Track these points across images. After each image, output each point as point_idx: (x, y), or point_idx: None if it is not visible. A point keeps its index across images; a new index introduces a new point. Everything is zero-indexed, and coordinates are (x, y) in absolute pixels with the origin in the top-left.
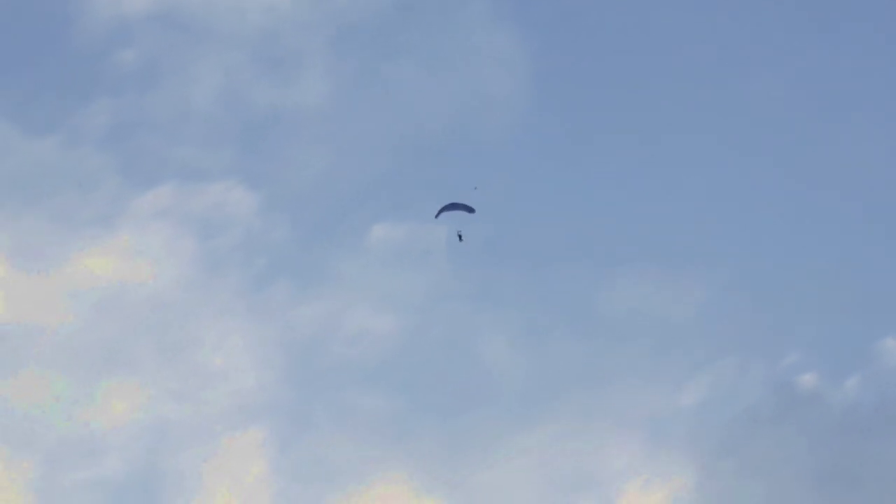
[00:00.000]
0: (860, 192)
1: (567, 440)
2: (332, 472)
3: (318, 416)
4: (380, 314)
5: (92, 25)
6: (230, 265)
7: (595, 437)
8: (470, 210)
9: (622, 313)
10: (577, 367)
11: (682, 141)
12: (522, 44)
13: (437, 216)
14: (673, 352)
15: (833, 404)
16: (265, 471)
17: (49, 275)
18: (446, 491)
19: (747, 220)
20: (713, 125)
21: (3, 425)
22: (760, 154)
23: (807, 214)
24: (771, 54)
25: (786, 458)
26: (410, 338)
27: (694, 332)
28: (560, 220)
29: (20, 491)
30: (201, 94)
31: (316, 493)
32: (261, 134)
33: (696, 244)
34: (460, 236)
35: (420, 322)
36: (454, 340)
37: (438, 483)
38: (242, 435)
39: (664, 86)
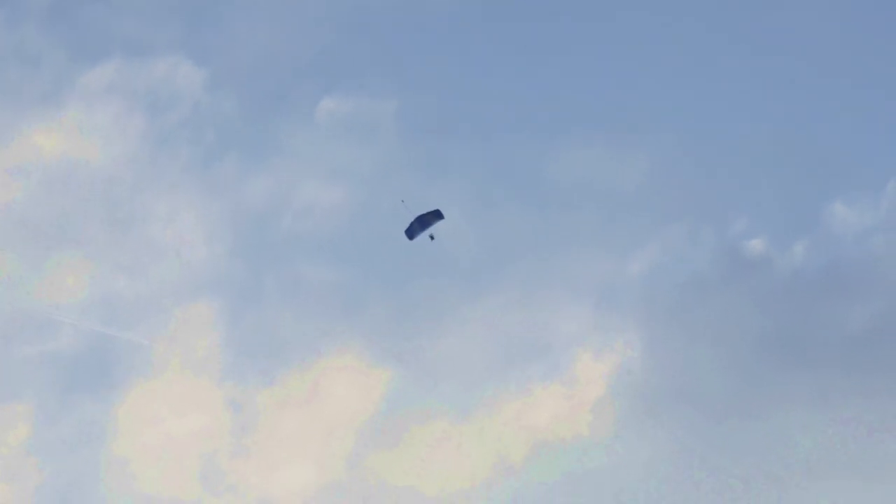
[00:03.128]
0: (810, 54)
1: (517, 309)
2: (283, 344)
3: (268, 289)
4: (329, 187)
5: None
6: (178, 140)
7: (545, 305)
8: (440, 217)
9: (570, 182)
10: (526, 235)
11: (627, 5)
12: None
13: (411, 238)
14: (621, 219)
15: (781, 269)
16: (216, 344)
17: None
18: (398, 361)
19: (694, 84)
20: None
21: None
22: (708, 17)
23: (755, 78)
24: None
25: (733, 322)
26: (360, 210)
27: (642, 199)
28: (505, 91)
29: None
30: None
31: (267, 365)
32: (207, 8)
33: (642, 110)
34: (432, 237)
35: (369, 194)
36: (403, 212)
37: (390, 354)
38: (193, 308)
39: None
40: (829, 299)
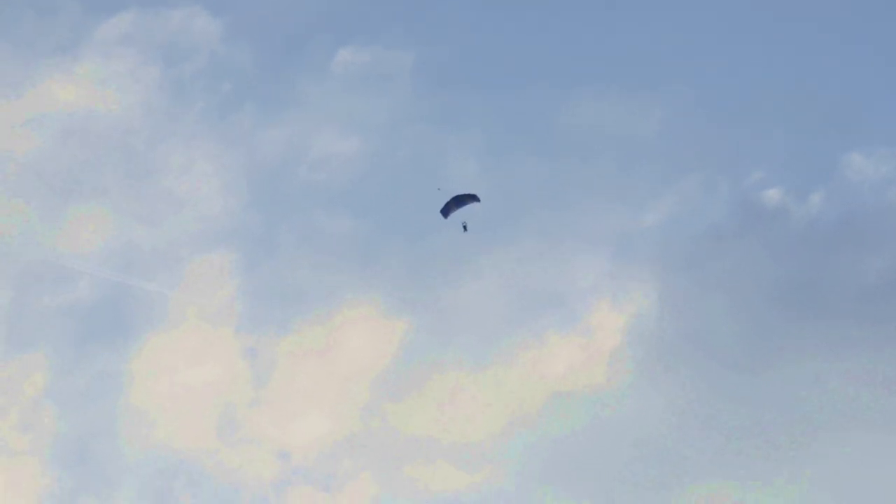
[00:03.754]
0: (829, 3)
1: (533, 259)
2: (299, 295)
3: (284, 239)
4: (345, 138)
5: None
6: (194, 92)
7: (561, 255)
8: (476, 200)
9: (585, 133)
10: (542, 187)
11: None
12: None
13: (446, 216)
14: (637, 170)
15: (797, 219)
16: (232, 294)
17: (12, 102)
18: (414, 312)
19: (711, 35)
20: None
21: None
22: None
23: (771, 29)
24: None
25: (749, 273)
26: (376, 161)
27: (658, 150)
28: (520, 42)
29: None
30: None
31: (283, 315)
32: None
33: (657, 60)
34: (465, 227)
35: (385, 145)
36: (419, 163)
37: (406, 304)
38: (209, 259)
39: None
40: (845, 250)
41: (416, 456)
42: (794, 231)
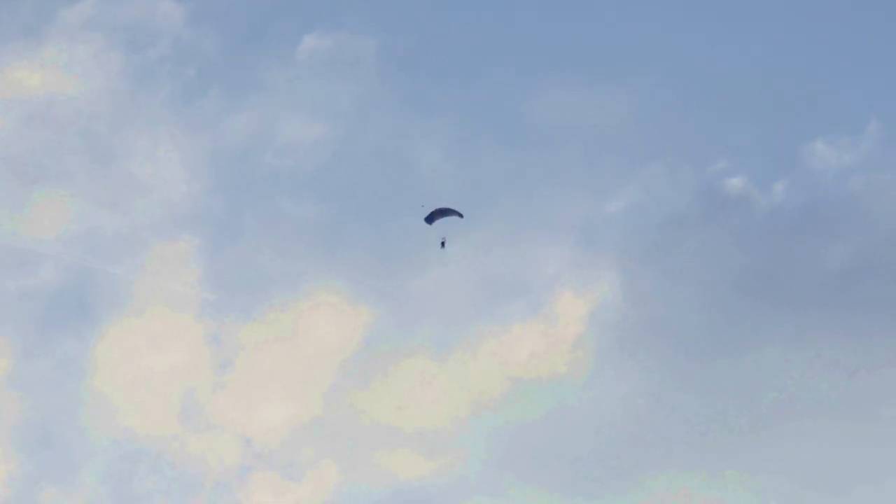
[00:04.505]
0: None
1: (497, 247)
2: (263, 281)
3: (249, 225)
4: (310, 124)
5: None
6: (159, 76)
7: (525, 243)
8: (460, 216)
9: (550, 121)
10: (506, 175)
11: None
12: None
13: (430, 222)
14: (601, 158)
15: (760, 208)
16: (196, 279)
17: None
18: (379, 299)
19: (675, 24)
20: None
21: None
22: None
23: (735, 18)
24: None
25: (713, 261)
26: (341, 147)
27: (622, 139)
28: (487, 30)
29: None
30: None
31: (247, 302)
32: None
33: (623, 50)
34: (443, 243)
35: (351, 131)
36: (384, 149)
37: (371, 291)
38: (173, 244)
39: None
40: (809, 238)
41: (379, 442)
42: (758, 219)
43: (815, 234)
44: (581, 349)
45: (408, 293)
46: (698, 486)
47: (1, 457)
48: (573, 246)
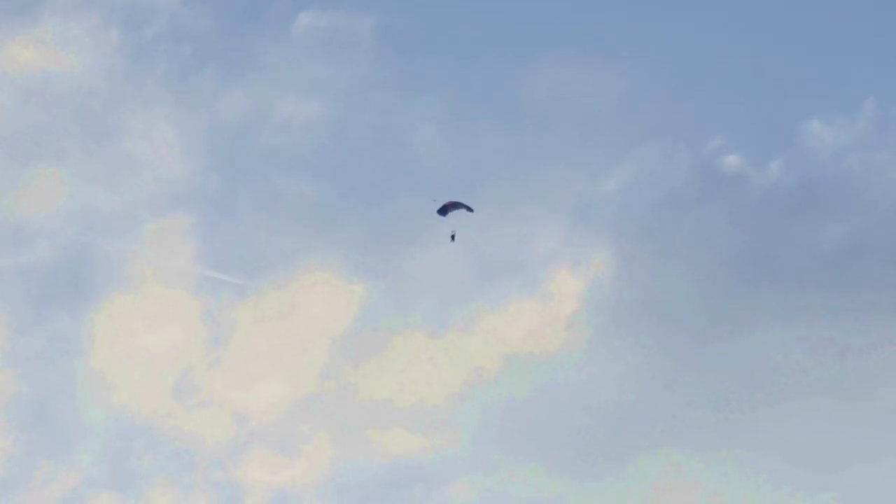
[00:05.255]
0: None
1: (493, 226)
2: (258, 258)
3: (244, 203)
4: (306, 102)
5: None
6: (155, 54)
7: (521, 221)
8: (470, 210)
9: (546, 100)
10: (503, 153)
11: None
12: None
13: (444, 214)
14: (597, 137)
15: (756, 186)
16: (191, 257)
17: None
18: (374, 276)
19: (671, 2)
20: None
21: None
22: None
23: None
24: None
25: (708, 239)
26: (337, 126)
27: (617, 117)
28: (483, 8)
29: None
30: None
31: (242, 279)
32: None
33: (619, 28)
34: (453, 236)
35: (346, 110)
36: (380, 128)
37: (366, 269)
38: (168, 222)
39: None
40: (804, 217)
41: (373, 419)
42: (753, 198)
43: (810, 213)
44: (576, 327)
45: (403, 271)
46: (692, 464)
47: None
48: (569, 224)
